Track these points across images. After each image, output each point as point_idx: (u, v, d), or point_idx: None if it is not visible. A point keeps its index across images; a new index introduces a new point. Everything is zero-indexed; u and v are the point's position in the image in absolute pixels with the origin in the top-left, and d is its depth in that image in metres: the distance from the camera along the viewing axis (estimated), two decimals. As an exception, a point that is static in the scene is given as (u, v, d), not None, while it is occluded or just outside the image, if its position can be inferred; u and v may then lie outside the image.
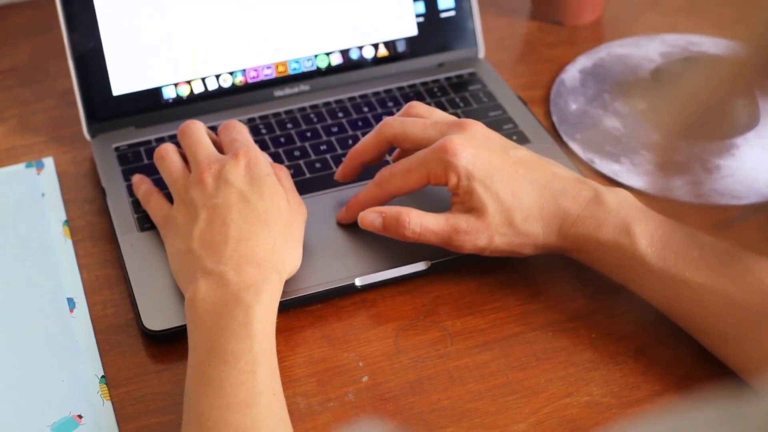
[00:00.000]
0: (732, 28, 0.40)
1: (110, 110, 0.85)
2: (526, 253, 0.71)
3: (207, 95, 0.87)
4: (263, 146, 0.83)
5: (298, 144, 0.84)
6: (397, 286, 0.73)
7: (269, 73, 0.88)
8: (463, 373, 0.68)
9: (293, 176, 0.77)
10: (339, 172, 0.77)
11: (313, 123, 0.86)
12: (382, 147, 0.75)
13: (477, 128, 0.72)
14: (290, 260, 0.70)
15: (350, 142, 0.84)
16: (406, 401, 0.66)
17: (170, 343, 0.70)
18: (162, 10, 0.85)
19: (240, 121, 0.82)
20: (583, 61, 0.95)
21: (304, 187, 0.79)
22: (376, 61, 0.90)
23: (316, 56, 0.89)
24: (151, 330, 0.69)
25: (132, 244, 0.75)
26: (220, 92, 0.87)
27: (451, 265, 0.73)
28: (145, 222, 0.77)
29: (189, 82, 0.86)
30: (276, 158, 0.82)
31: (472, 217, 0.69)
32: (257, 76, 0.88)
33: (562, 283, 0.73)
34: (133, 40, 0.85)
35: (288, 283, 0.69)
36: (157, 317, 0.70)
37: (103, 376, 0.68)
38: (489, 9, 1.00)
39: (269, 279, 0.66)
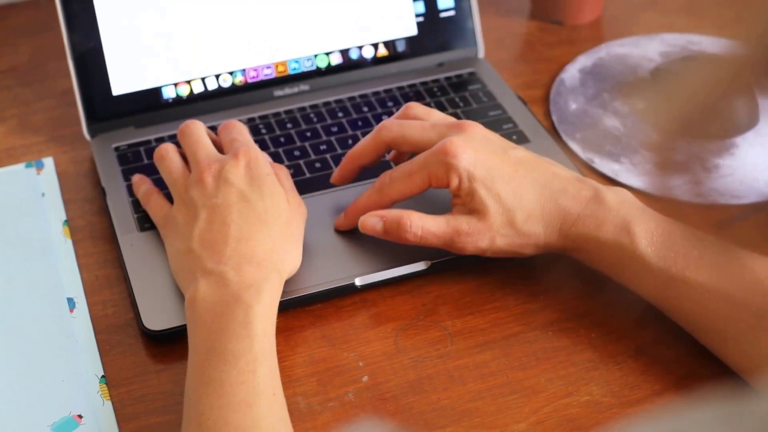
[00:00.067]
0: (731, 28, 0.40)
1: (110, 110, 0.85)
2: (527, 253, 0.71)
3: (207, 95, 0.87)
4: (263, 146, 0.83)
5: (298, 144, 0.84)
6: (397, 285, 0.73)
7: (269, 73, 0.88)
8: (463, 372, 0.68)
9: (293, 176, 0.77)
10: (336, 174, 0.77)
11: (313, 123, 0.86)
12: (380, 150, 0.75)
13: (476, 129, 0.72)
14: (290, 260, 0.70)
15: (350, 141, 0.84)
16: (406, 401, 0.66)
17: (170, 343, 0.70)
18: (162, 10, 0.85)
19: (240, 120, 0.82)
20: (583, 61, 0.95)
21: (303, 186, 0.79)
22: (376, 60, 0.90)
23: (315, 56, 0.89)
24: (151, 330, 0.69)
25: (132, 244, 0.75)
26: (220, 92, 0.87)
27: (450, 264, 0.73)
28: (145, 222, 0.77)
29: (189, 82, 0.86)
30: (276, 158, 0.82)
31: (473, 219, 0.69)
32: (257, 76, 0.88)
33: (561, 282, 0.73)
34: (132, 39, 0.85)
35: (288, 282, 0.69)
36: (157, 317, 0.70)
37: (103, 376, 0.68)
38: (489, 9, 1.00)
39: (269, 279, 0.66)
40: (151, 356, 0.70)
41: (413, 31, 0.91)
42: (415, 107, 0.76)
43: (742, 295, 0.64)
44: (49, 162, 0.85)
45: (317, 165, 0.82)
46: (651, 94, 0.92)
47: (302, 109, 0.88)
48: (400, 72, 0.91)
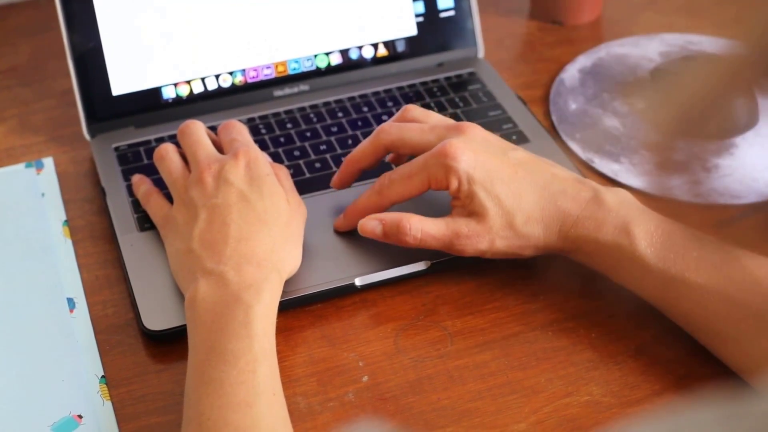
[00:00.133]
0: (731, 28, 0.40)
1: (110, 110, 0.85)
2: (526, 254, 0.71)
3: (207, 95, 0.87)
4: (263, 146, 0.83)
5: (298, 144, 0.84)
6: (396, 285, 0.73)
7: (269, 73, 0.88)
8: (463, 372, 0.68)
9: (293, 176, 0.77)
10: (336, 179, 0.77)
11: (313, 123, 0.86)
12: (379, 153, 0.75)
13: (475, 131, 0.72)
14: (290, 260, 0.70)
15: (350, 142, 0.84)
16: (406, 401, 0.66)
17: (170, 343, 0.70)
18: (161, 10, 0.85)
19: (240, 121, 0.82)
20: (583, 61, 0.95)
21: (303, 187, 0.79)
22: (376, 60, 0.90)
23: (315, 56, 0.89)
24: (151, 330, 0.69)
25: (132, 244, 0.75)
26: (220, 92, 0.87)
27: (450, 264, 0.73)
28: (145, 222, 0.77)
29: (189, 82, 0.86)
30: (276, 158, 0.82)
31: (472, 221, 0.69)
32: (257, 76, 0.88)
33: (561, 282, 0.73)
34: (132, 40, 0.85)
35: (288, 282, 0.69)
36: (157, 317, 0.70)
37: (103, 376, 0.68)
38: (488, 9, 1.00)
39: (269, 278, 0.66)
40: (151, 356, 0.70)
41: (413, 31, 0.91)
42: (414, 110, 0.76)
43: (741, 295, 0.64)
44: (48, 162, 0.85)
45: (317, 165, 0.82)
46: (650, 94, 0.92)
47: (302, 109, 0.88)
48: (399, 72, 0.91)
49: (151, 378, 0.68)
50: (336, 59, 0.89)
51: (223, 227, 0.68)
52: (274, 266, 0.67)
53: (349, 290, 0.72)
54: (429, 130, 0.73)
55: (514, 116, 0.87)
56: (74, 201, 0.82)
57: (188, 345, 0.64)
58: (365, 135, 0.81)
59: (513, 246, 0.70)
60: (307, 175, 0.81)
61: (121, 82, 0.85)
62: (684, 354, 0.68)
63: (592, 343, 0.69)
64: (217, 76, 0.87)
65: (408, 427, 0.65)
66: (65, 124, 0.89)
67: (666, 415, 0.35)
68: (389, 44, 0.90)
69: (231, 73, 0.87)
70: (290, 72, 0.89)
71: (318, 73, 0.89)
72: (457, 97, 0.89)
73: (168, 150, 0.76)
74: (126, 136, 0.85)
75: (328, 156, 0.83)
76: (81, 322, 0.72)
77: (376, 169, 0.76)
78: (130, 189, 0.80)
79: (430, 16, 0.91)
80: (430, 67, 0.92)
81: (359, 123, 0.86)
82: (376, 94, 0.89)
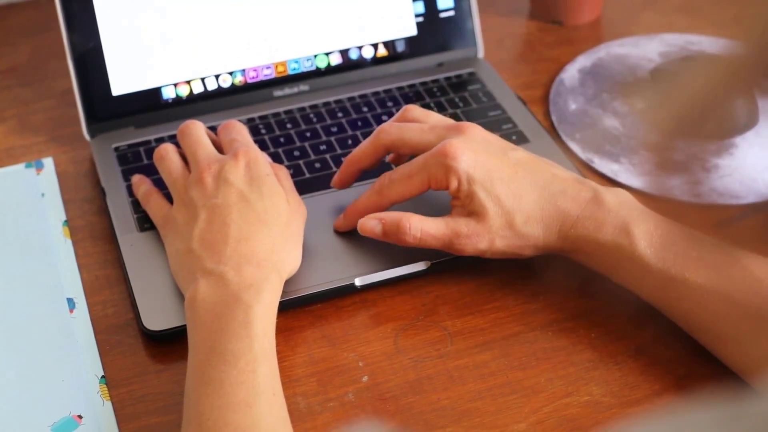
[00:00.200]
0: (731, 28, 0.40)
1: (110, 110, 0.85)
2: (526, 254, 0.71)
3: (206, 95, 0.87)
4: (263, 146, 0.83)
5: (298, 144, 0.84)
6: (396, 286, 0.73)
7: (269, 73, 0.88)
8: (463, 372, 0.68)
9: (293, 176, 0.77)
10: (336, 179, 0.77)
11: (313, 123, 0.86)
12: (379, 153, 0.75)
13: (475, 131, 0.72)
14: (290, 260, 0.70)
15: (350, 142, 0.84)
16: (406, 401, 0.66)
17: (170, 343, 0.70)
18: (161, 10, 0.85)
19: (239, 121, 0.82)
20: (583, 61, 0.95)
21: (303, 187, 0.79)
22: (376, 61, 0.90)
23: (315, 56, 0.89)
24: (151, 330, 0.69)
25: (132, 244, 0.75)
26: (220, 92, 0.87)
27: (450, 265, 0.74)
28: (145, 222, 0.77)
29: (188, 82, 0.86)
30: (275, 158, 0.82)
31: (472, 221, 0.69)
32: (257, 76, 0.88)
33: (561, 282, 0.73)
34: (132, 40, 0.85)
35: (288, 282, 0.69)
36: (157, 317, 0.70)
37: (103, 376, 0.68)
38: (488, 9, 1.00)
39: (269, 279, 0.66)
40: (151, 356, 0.70)
41: (413, 32, 0.91)
42: (414, 110, 0.76)
43: (741, 295, 0.64)
44: (48, 162, 0.85)
45: (317, 165, 0.82)
46: (650, 94, 0.92)
47: (302, 109, 0.88)
48: (399, 72, 0.91)
49: (151, 378, 0.68)
50: (336, 59, 0.89)
51: (223, 227, 0.68)
52: (274, 266, 0.67)
53: (349, 290, 0.72)
54: (429, 130, 0.73)
55: (514, 116, 0.87)
56: (74, 201, 0.82)
57: (188, 345, 0.64)
58: (365, 135, 0.81)
59: (513, 246, 0.70)
60: (307, 175, 0.81)
61: (121, 82, 0.85)
62: (684, 354, 0.68)
63: (591, 343, 0.70)
64: (216, 77, 0.87)
65: (408, 427, 0.65)
66: (65, 124, 0.89)
67: (665, 416, 0.35)
68: (389, 44, 0.90)
69: (231, 73, 0.87)
70: (290, 72, 0.89)
71: (318, 73, 0.89)
72: (457, 97, 0.89)
73: (168, 150, 0.76)
74: (126, 136, 0.85)
75: (327, 156, 0.83)
76: (81, 322, 0.72)
77: (376, 169, 0.76)
78: (130, 189, 0.80)
79: (430, 17, 0.91)
80: (430, 68, 0.92)
81: (359, 123, 0.86)
82: (375, 94, 0.89)
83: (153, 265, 0.73)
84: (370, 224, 0.71)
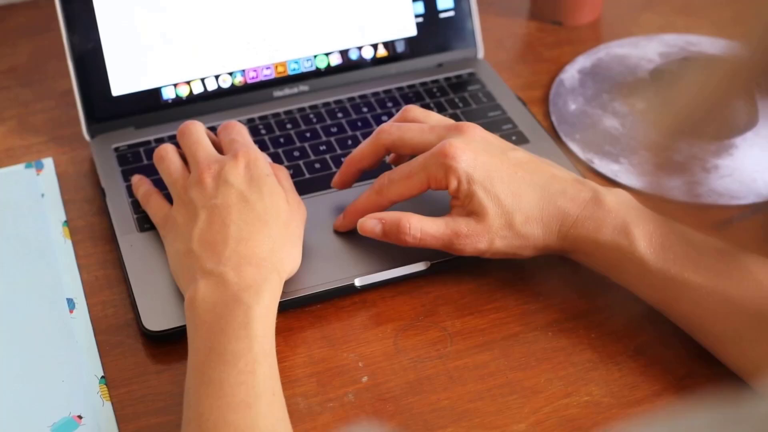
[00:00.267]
0: (730, 28, 0.40)
1: (110, 111, 0.85)
2: (526, 255, 0.71)
3: (206, 96, 0.87)
4: (263, 147, 0.83)
5: (298, 144, 0.84)
6: (396, 286, 0.73)
7: (268, 74, 0.88)
8: (463, 373, 0.68)
9: (293, 177, 0.77)
10: (336, 179, 0.77)
11: (313, 123, 0.86)
12: (379, 154, 0.75)
13: (475, 131, 0.72)
14: (290, 260, 0.70)
15: (350, 142, 0.84)
16: (406, 401, 0.66)
17: (170, 344, 0.70)
18: (162, 10, 0.85)
19: (239, 121, 0.82)
20: (582, 61, 0.95)
21: (303, 187, 0.79)
22: (376, 61, 0.90)
23: (315, 56, 0.89)
24: (151, 330, 0.69)
25: (132, 244, 0.75)
26: (220, 93, 0.87)
27: (450, 265, 0.74)
28: (145, 222, 0.77)
29: (188, 83, 0.86)
30: (275, 159, 0.82)
31: (472, 221, 0.69)
32: (256, 77, 0.88)
33: (561, 283, 0.73)
34: (132, 40, 0.85)
35: (288, 283, 0.69)
36: (156, 318, 0.70)
37: (103, 377, 0.68)
38: (488, 9, 1.00)
39: (269, 279, 0.66)
40: (151, 357, 0.70)
41: (413, 32, 0.91)
42: (414, 110, 0.76)
43: (741, 296, 0.64)
44: (48, 163, 0.85)
45: (317, 166, 0.82)
46: (650, 94, 0.92)
47: (302, 109, 0.88)
48: (399, 73, 0.91)
49: (151, 378, 0.68)
50: (336, 60, 0.89)
51: (223, 228, 0.68)
52: (274, 267, 0.67)
53: (349, 291, 0.72)
54: (429, 130, 0.73)
55: (514, 117, 0.87)
56: (74, 201, 0.82)
57: (188, 346, 0.64)
58: (365, 135, 0.81)
59: (512, 246, 0.70)
60: (307, 175, 0.81)
61: (121, 83, 0.85)
62: (684, 354, 0.68)
63: (591, 344, 0.70)
64: (216, 77, 0.87)
65: (408, 427, 0.65)
66: (65, 125, 0.89)
67: (665, 417, 0.35)
68: (389, 45, 0.90)
69: (231, 74, 0.87)
70: (290, 72, 0.89)
71: (318, 73, 0.89)
72: (457, 97, 0.89)
73: (168, 150, 0.76)
74: (126, 137, 0.85)
75: (327, 156, 0.83)
76: (81, 322, 0.72)
77: (376, 169, 0.76)
78: (129, 189, 0.80)
79: (429, 17, 0.91)
80: (430, 68, 0.92)
81: (359, 123, 0.86)
82: (375, 94, 0.89)
83: (153, 266, 0.73)
84: (370, 224, 0.72)
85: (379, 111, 0.88)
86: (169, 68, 0.86)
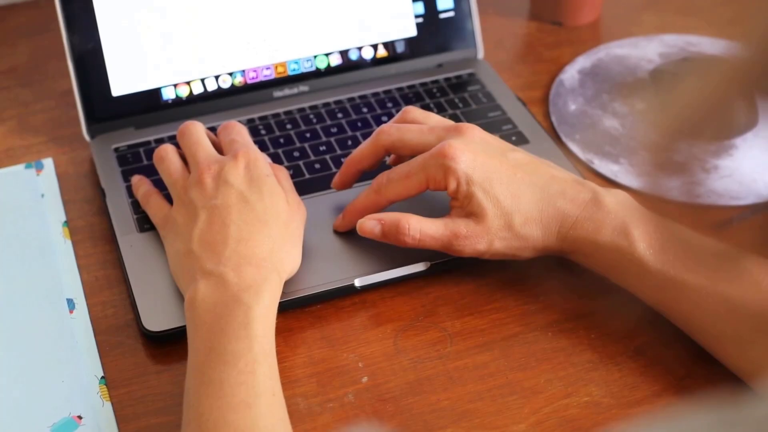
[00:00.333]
0: (730, 29, 0.40)
1: (110, 111, 0.85)
2: (525, 256, 0.71)
3: (206, 96, 0.87)
4: (262, 147, 0.83)
5: (298, 145, 0.84)
6: (396, 286, 0.73)
7: (268, 74, 0.88)
8: (463, 373, 0.68)
9: (292, 177, 0.77)
10: (336, 180, 0.77)
11: (313, 124, 0.86)
12: (379, 154, 0.75)
13: (474, 132, 0.72)
14: (290, 261, 0.70)
15: (349, 143, 0.84)
16: (406, 402, 0.66)
17: (170, 344, 0.70)
18: (161, 10, 0.85)
19: (239, 121, 0.82)
20: (582, 62, 0.95)
21: (303, 187, 0.79)
22: (376, 61, 0.90)
23: (315, 57, 0.89)
24: (151, 331, 0.69)
25: (132, 244, 0.75)
26: (220, 93, 0.87)
27: (450, 265, 0.74)
28: (145, 223, 0.77)
29: (188, 83, 0.86)
30: (275, 159, 0.82)
31: (471, 222, 0.69)
32: (256, 77, 0.88)
33: (561, 283, 0.73)
34: (132, 40, 0.85)
35: (288, 283, 0.69)
36: (156, 318, 0.70)
37: (102, 377, 0.68)
38: (488, 9, 1.00)
39: (269, 279, 0.66)
40: (150, 357, 0.70)
41: (413, 32, 0.91)
42: (413, 111, 0.76)
43: (740, 297, 0.64)
44: (48, 163, 0.85)
45: (317, 166, 0.82)
46: (650, 95, 0.92)
47: (302, 110, 0.88)
48: (399, 73, 0.91)
49: (150, 379, 0.68)
50: (335, 60, 0.89)
51: (223, 228, 0.68)
52: (274, 267, 0.67)
53: (349, 291, 0.72)
54: (428, 131, 0.73)
55: (514, 117, 0.87)
56: (74, 202, 0.82)
57: (188, 346, 0.64)
58: (365, 136, 0.81)
59: (511, 247, 0.70)
60: (307, 175, 0.81)
61: (121, 83, 0.85)
62: (684, 355, 0.68)
63: (591, 344, 0.70)
64: (216, 77, 0.87)
65: (408, 428, 0.65)
66: (65, 125, 0.89)
67: (664, 419, 0.35)
68: (389, 45, 0.90)
69: (231, 74, 0.87)
70: (290, 73, 0.89)
71: (317, 73, 0.89)
72: (457, 98, 0.89)
73: (168, 151, 0.76)
74: (126, 137, 0.85)
75: (327, 157, 0.83)
76: (81, 322, 0.72)
77: (376, 170, 0.76)
78: (129, 190, 0.80)
79: (429, 17, 0.91)
80: (430, 68, 0.92)
81: (359, 124, 0.86)
82: (375, 95, 0.89)
83: (153, 266, 0.73)
84: (369, 225, 0.72)
85: (379, 111, 0.88)
86: (169, 68, 0.86)
